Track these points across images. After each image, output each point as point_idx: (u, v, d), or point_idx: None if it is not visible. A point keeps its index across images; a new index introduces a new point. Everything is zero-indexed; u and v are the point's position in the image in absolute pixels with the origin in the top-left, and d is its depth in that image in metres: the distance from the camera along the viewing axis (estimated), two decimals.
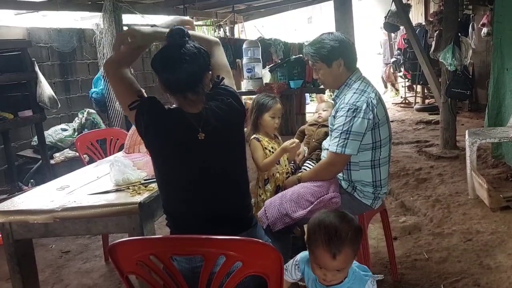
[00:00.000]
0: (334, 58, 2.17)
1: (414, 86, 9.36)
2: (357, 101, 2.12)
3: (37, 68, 4.70)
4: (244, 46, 6.55)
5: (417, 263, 2.74)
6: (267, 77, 6.58)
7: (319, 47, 2.18)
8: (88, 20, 6.97)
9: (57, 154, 5.08)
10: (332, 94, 9.25)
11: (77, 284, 2.89)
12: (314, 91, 7.15)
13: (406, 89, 9.92)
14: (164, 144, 1.55)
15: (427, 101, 9.24)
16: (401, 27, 7.65)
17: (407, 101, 9.60)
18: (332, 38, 2.19)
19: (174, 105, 1.67)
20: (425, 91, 9.29)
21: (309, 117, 7.46)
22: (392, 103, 9.69)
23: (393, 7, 6.51)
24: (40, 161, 4.86)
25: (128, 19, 6.25)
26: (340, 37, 2.21)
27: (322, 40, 2.20)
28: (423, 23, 8.79)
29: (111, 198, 2.02)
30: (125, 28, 5.98)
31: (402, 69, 9.46)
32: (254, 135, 2.52)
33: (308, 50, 2.22)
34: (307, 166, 2.63)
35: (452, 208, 3.48)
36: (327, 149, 2.24)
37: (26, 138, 5.24)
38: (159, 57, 1.60)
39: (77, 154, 4.42)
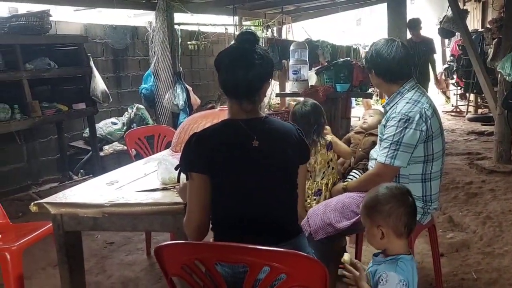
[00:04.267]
0: (369, 68, 2.23)
1: (467, 94, 8.98)
2: (410, 111, 2.05)
3: (92, 63, 4.88)
4: (292, 47, 6.50)
5: (465, 283, 2.62)
6: (313, 79, 6.50)
7: (366, 54, 2.31)
8: (140, 17, 7.17)
9: (106, 147, 5.27)
10: (378, 99, 9.04)
11: (119, 276, 2.97)
12: (360, 95, 6.99)
13: (458, 97, 9.54)
14: (220, 158, 1.54)
15: (480, 110, 8.84)
16: (457, 33, 7.35)
17: (458, 110, 9.23)
18: (373, 46, 2.21)
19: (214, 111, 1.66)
20: (478, 100, 8.88)
21: (354, 122, 7.33)
22: (443, 111, 9.33)
23: (449, 13, 6.28)
24: (90, 152, 5.06)
25: (179, 17, 6.38)
26: (380, 46, 2.16)
27: (369, 49, 2.28)
28: (480, 30, 8.40)
29: (158, 196, 2.06)
30: (176, 26, 6.11)
31: (455, 76, 9.09)
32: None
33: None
34: (353, 176, 2.58)
35: (504, 227, 3.30)
36: (375, 159, 2.18)
37: (78, 130, 5.47)
38: (223, 56, 1.58)
39: (125, 147, 4.55)
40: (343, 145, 2.68)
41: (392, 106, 2.16)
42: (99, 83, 4.87)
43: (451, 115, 9.00)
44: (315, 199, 2.47)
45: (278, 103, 8.96)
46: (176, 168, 1.61)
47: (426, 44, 6.55)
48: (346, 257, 1.58)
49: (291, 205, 1.66)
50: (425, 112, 2.05)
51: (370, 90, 5.79)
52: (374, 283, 1.50)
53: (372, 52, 2.19)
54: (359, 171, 2.57)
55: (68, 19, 5.59)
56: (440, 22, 6.81)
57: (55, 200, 2.04)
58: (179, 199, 1.93)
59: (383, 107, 2.29)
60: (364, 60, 2.36)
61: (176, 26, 6.11)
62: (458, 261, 2.89)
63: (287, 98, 8.19)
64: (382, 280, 1.46)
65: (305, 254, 1.29)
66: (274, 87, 8.83)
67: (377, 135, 2.30)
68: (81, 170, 5.07)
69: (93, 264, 3.14)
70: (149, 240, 3.23)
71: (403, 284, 1.43)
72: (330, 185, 2.51)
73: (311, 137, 2.47)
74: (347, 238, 2.84)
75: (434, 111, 2.11)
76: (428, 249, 2.60)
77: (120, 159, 4.81)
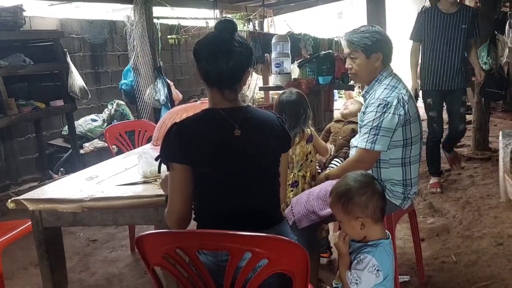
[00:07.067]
0: (375, 51, 2.13)
1: None
2: (388, 97, 2.08)
3: (69, 59, 4.81)
4: (273, 40, 6.51)
5: (445, 266, 2.68)
6: (295, 72, 6.52)
7: (363, 36, 2.13)
8: (119, 12, 7.07)
9: (86, 144, 5.20)
10: (361, 91, 9.10)
11: (103, 273, 2.94)
12: (343, 87, 7.03)
13: None
14: (202, 148, 1.52)
15: None
16: None
17: None
18: (377, 30, 2.16)
19: (199, 103, 1.64)
20: None
21: (337, 114, 7.37)
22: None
23: (427, 3, 6.32)
24: (70, 150, 4.98)
25: (158, 11, 6.31)
26: (383, 31, 2.18)
27: (367, 30, 2.15)
28: None
29: (139, 189, 2.04)
30: (155, 20, 6.05)
31: None
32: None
33: (350, 37, 2.16)
34: (334, 164, 2.60)
35: (482, 211, 3.37)
36: (356, 146, 2.20)
37: (57, 128, 5.38)
38: (204, 46, 1.56)
39: (106, 144, 4.50)
40: (322, 141, 2.69)
41: (371, 93, 2.19)
42: (76, 79, 4.79)
43: None
44: (291, 191, 2.47)
45: (262, 97, 8.97)
46: (156, 159, 1.59)
47: (466, 16, 3.68)
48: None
49: (273, 194, 1.66)
50: (402, 97, 2.08)
51: (352, 82, 5.81)
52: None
53: (378, 36, 2.13)
54: (340, 159, 2.59)
55: (43, 14, 5.48)
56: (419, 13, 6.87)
57: (33, 196, 2.01)
58: (161, 192, 1.91)
59: (363, 95, 2.30)
60: (359, 44, 2.14)
61: (155, 20, 6.04)
62: (438, 245, 2.94)
63: (271, 92, 8.19)
64: (358, 259, 1.50)
65: (286, 238, 1.30)
66: (257, 81, 8.83)
67: (356, 123, 2.32)
68: (61, 169, 4.99)
69: (76, 261, 3.11)
70: (133, 236, 3.20)
71: (375, 269, 1.47)
72: (308, 177, 2.51)
73: (299, 127, 2.46)
74: (331, 226, 2.87)
75: (411, 96, 2.15)
76: (410, 234, 2.64)
77: (101, 156, 4.75)
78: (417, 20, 3.87)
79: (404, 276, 2.55)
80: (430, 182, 3.99)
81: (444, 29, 3.70)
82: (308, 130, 2.51)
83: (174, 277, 1.37)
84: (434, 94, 3.85)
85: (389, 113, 2.04)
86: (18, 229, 2.42)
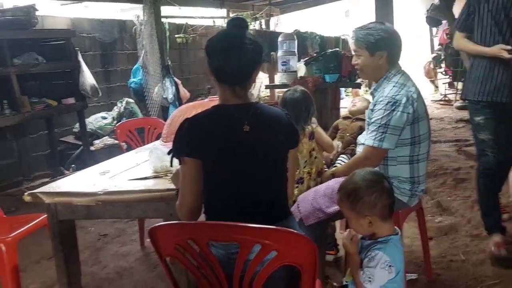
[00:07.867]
0: (378, 49, 2.13)
1: (455, 83, 9.07)
2: (397, 95, 2.09)
3: (80, 57, 4.88)
4: (280, 39, 6.51)
5: (453, 264, 2.68)
6: (302, 70, 6.53)
7: (367, 33, 2.14)
8: (128, 12, 7.14)
9: (97, 141, 5.27)
10: (368, 89, 9.08)
11: (114, 266, 3.00)
12: (349, 85, 7.00)
13: (447, 86, 9.62)
14: (211, 143, 1.56)
15: None
16: (443, 21, 7.42)
17: (447, 99, 9.32)
18: (383, 28, 2.15)
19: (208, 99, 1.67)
20: None
21: (344, 112, 7.35)
22: (431, 100, 9.42)
23: (436, 1, 6.34)
24: (81, 147, 5.06)
25: (167, 10, 6.36)
26: (391, 29, 2.18)
27: (374, 27, 2.15)
28: None
29: (150, 184, 2.09)
30: (163, 20, 6.09)
31: (443, 65, 9.18)
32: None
33: (357, 34, 2.17)
34: (341, 161, 2.62)
35: None
36: (363, 144, 2.21)
37: (69, 125, 5.45)
38: (216, 43, 1.59)
39: (116, 141, 4.56)
40: (327, 137, 2.69)
41: (379, 90, 2.20)
42: (87, 78, 4.86)
43: (440, 104, 9.08)
44: (296, 187, 2.49)
45: (268, 96, 8.99)
46: (169, 153, 1.64)
47: None
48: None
49: (281, 189, 1.69)
50: (411, 95, 2.09)
51: (359, 80, 5.81)
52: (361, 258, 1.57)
53: (383, 34, 2.12)
54: (347, 156, 2.61)
55: (55, 14, 5.56)
56: (427, 11, 6.86)
57: (49, 189, 2.06)
58: (172, 186, 1.96)
59: (371, 93, 2.32)
60: (363, 41, 2.14)
61: (163, 19, 6.09)
62: (446, 244, 2.94)
63: (276, 90, 8.21)
64: (369, 257, 1.51)
65: (295, 231, 1.33)
66: (263, 79, 8.85)
67: (364, 120, 2.34)
68: (72, 165, 5.06)
69: (87, 255, 3.16)
70: (143, 231, 3.24)
71: (387, 265, 1.49)
72: (313, 173, 2.52)
73: (300, 124, 2.48)
74: (338, 224, 2.89)
75: (419, 94, 2.16)
76: (418, 233, 2.65)
77: (111, 153, 4.80)
78: (468, 3, 2.68)
79: (412, 274, 2.56)
80: (493, 240, 2.73)
81: (506, 18, 2.55)
82: (309, 127, 2.53)
83: (185, 267, 1.40)
84: (487, 108, 2.65)
85: (398, 111, 2.05)
86: (33, 222, 2.47)
